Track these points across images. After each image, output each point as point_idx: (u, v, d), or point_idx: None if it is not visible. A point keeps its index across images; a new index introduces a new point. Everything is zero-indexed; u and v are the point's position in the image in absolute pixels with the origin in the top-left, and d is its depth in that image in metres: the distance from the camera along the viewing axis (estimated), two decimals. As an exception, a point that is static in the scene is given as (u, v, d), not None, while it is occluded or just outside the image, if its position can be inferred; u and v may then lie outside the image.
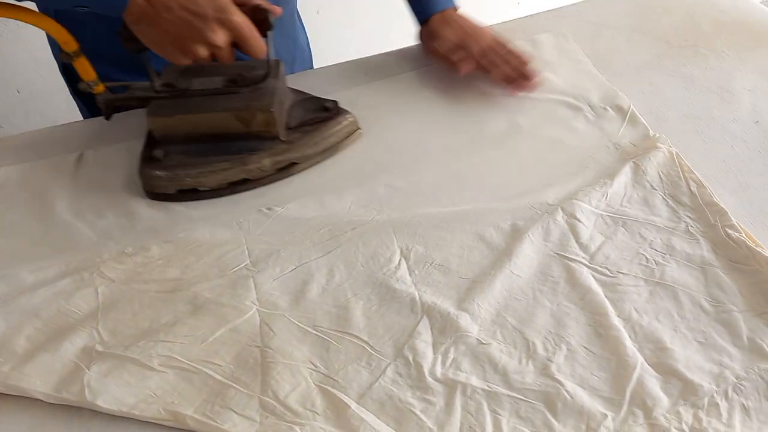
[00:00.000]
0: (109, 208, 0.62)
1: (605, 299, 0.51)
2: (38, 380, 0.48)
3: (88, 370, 0.48)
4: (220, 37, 0.53)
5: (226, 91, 0.61)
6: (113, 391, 0.47)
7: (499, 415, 0.45)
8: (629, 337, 0.48)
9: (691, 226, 0.56)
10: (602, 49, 0.77)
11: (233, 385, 0.48)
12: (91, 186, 0.64)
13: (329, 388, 0.47)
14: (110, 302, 0.53)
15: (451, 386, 0.47)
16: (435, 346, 0.49)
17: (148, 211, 0.61)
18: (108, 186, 0.64)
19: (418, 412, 0.45)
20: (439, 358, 0.48)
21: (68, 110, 1.08)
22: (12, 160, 0.67)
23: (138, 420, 0.47)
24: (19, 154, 0.68)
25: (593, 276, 0.52)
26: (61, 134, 0.71)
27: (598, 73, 0.73)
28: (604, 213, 0.57)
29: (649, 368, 0.46)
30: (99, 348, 0.50)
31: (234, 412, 0.46)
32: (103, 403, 0.46)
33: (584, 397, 0.45)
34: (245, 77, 0.61)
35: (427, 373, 0.48)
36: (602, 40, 0.79)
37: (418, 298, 0.53)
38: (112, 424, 0.47)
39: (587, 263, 0.53)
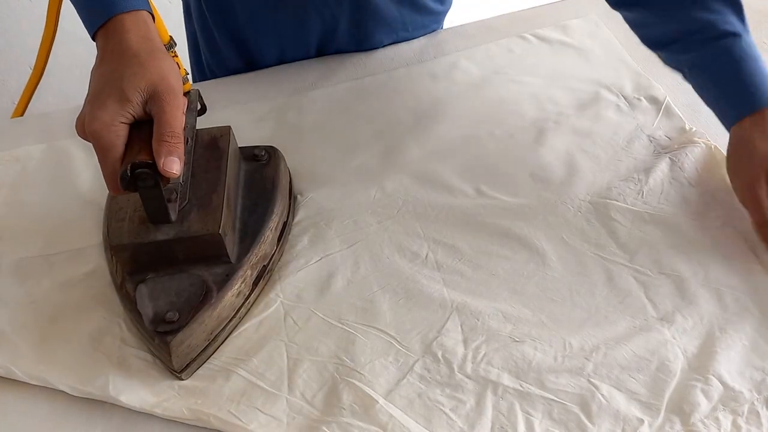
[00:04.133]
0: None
1: (646, 300, 0.49)
2: (62, 373, 0.47)
3: (112, 364, 0.47)
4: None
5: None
6: (137, 388, 0.46)
7: (532, 416, 0.44)
8: (671, 339, 0.47)
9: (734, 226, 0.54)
10: (636, 36, 0.74)
11: (258, 383, 0.47)
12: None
13: (356, 383, 0.46)
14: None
15: (482, 385, 0.46)
16: (465, 344, 0.48)
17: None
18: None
19: (447, 411, 0.44)
20: (470, 355, 0.47)
21: (81, 88, 1.07)
22: (35, 139, 0.66)
23: (162, 418, 0.46)
24: (43, 134, 0.67)
25: (633, 277, 0.51)
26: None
27: (632, 62, 0.71)
28: (642, 210, 0.55)
29: (690, 372, 0.45)
30: (123, 342, 0.49)
31: (260, 411, 0.45)
32: (126, 400, 0.46)
33: (620, 401, 0.44)
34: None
35: (457, 371, 0.46)
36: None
37: (446, 293, 0.51)
38: (133, 417, 0.46)
39: (627, 264, 0.52)
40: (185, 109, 0.47)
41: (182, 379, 0.47)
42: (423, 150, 0.64)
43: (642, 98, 0.66)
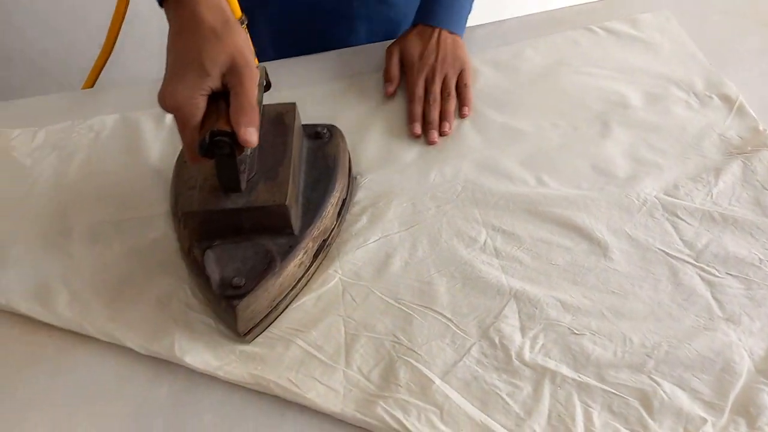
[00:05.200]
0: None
1: (712, 300, 0.48)
2: (130, 331, 0.49)
3: (178, 326, 0.49)
4: None
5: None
6: (201, 351, 0.48)
7: (591, 407, 0.43)
8: (737, 341, 0.45)
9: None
10: (708, 32, 0.72)
11: (317, 354, 0.48)
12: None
13: (413, 362, 0.47)
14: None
15: (540, 372, 0.45)
16: (523, 331, 0.48)
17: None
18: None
19: (504, 396, 0.44)
20: (528, 343, 0.47)
21: (147, 67, 1.10)
22: (110, 109, 0.69)
23: (223, 381, 0.47)
24: (118, 105, 0.69)
25: (699, 275, 0.50)
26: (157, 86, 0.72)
27: (704, 58, 0.68)
28: (711, 210, 0.54)
29: (757, 375, 0.44)
30: (188, 307, 0.51)
31: (318, 381, 0.46)
32: (191, 360, 0.47)
33: (683, 399, 0.43)
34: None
35: (514, 358, 0.46)
36: (709, 23, 0.73)
37: (505, 280, 0.51)
38: (196, 379, 0.47)
39: (693, 261, 0.51)
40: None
41: (246, 343, 0.48)
42: (483, 137, 0.63)
43: (713, 96, 0.64)
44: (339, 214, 0.56)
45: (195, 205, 0.50)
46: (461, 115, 0.65)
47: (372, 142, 0.64)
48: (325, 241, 0.54)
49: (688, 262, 0.51)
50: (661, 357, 0.45)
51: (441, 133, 0.64)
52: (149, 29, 0.84)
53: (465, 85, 0.67)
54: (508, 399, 0.44)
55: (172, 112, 0.45)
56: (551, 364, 0.46)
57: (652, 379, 0.44)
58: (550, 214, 0.56)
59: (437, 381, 0.45)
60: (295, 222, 0.52)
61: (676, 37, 0.71)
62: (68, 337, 0.50)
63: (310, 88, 0.70)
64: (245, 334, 0.48)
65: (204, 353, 0.48)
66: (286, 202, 0.50)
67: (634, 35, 0.72)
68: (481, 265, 0.53)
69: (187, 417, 0.46)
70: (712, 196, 0.55)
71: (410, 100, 0.66)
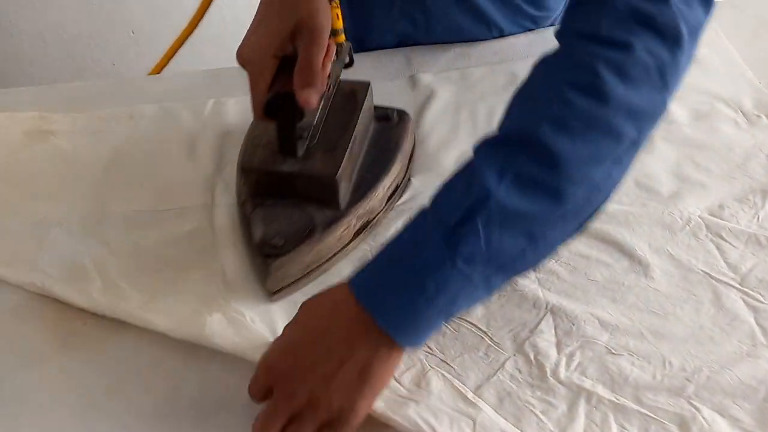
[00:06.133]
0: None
1: (756, 326, 0.47)
2: (163, 315, 0.49)
3: (211, 313, 0.49)
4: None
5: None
6: (231, 335, 0.47)
7: (626, 430, 0.42)
8: (783, 370, 0.44)
9: None
10: (758, 49, 0.70)
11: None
12: (223, 132, 0.64)
13: (445, 374, 0.46)
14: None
15: (575, 392, 0.45)
16: (559, 347, 0.47)
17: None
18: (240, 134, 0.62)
19: (538, 413, 0.44)
20: (563, 360, 0.46)
21: (177, 56, 1.11)
22: (149, 99, 0.69)
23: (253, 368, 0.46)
24: (157, 94, 0.70)
25: (743, 300, 0.48)
26: (200, 80, 0.72)
27: (754, 77, 0.67)
28: (758, 233, 0.53)
29: (802, 407, 0.43)
30: (222, 299, 0.51)
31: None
32: (220, 341, 0.47)
33: (723, 426, 0.42)
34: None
35: (549, 374, 0.46)
36: (760, 40, 0.72)
37: (541, 294, 0.51)
38: (229, 367, 0.47)
39: (737, 285, 0.49)
40: (332, 51, 0.49)
41: (273, 302, 0.50)
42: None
43: (762, 116, 0.63)
44: (389, 198, 0.56)
45: (255, 162, 0.53)
46: None
47: (416, 145, 0.63)
48: (369, 221, 0.54)
49: (732, 286, 0.50)
50: (701, 382, 0.44)
51: None
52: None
53: None
54: (542, 416, 0.44)
55: (245, 66, 0.47)
56: (587, 384, 0.45)
57: (691, 404, 0.43)
58: (590, 229, 0.54)
59: (470, 395, 0.45)
60: (344, 196, 0.53)
61: (725, 53, 0.70)
62: (102, 325, 0.51)
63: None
64: (274, 293, 0.50)
65: (234, 337, 0.47)
66: (336, 176, 0.51)
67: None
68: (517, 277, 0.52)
69: (219, 411, 0.45)
70: (758, 218, 0.54)
71: None
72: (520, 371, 0.46)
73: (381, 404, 0.44)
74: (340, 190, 0.52)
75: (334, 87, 0.56)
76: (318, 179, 0.52)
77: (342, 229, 0.52)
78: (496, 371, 0.46)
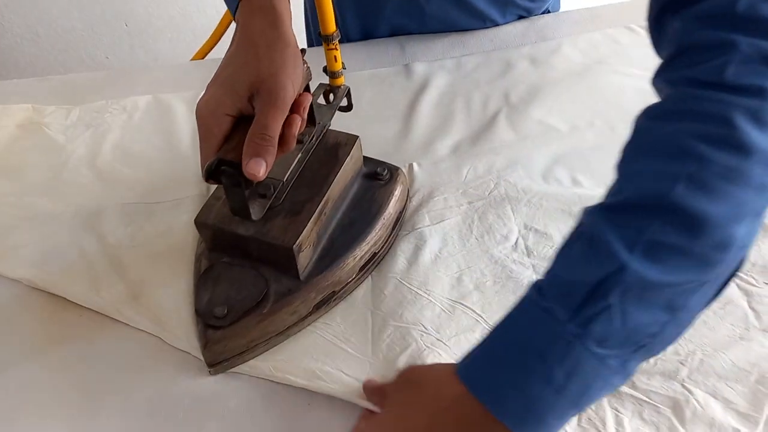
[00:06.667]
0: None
1: (749, 310, 0.47)
2: (155, 323, 0.49)
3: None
4: None
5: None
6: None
7: (621, 413, 0.43)
8: (775, 353, 0.45)
9: None
10: None
11: (342, 346, 0.47)
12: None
13: (440, 353, 0.46)
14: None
15: (570, 376, 0.45)
16: (553, 333, 0.47)
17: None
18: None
19: (533, 397, 0.44)
20: (558, 345, 0.47)
21: (171, 48, 1.10)
22: (142, 90, 0.69)
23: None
24: (150, 85, 0.70)
25: (736, 284, 0.49)
26: (192, 69, 0.72)
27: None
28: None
29: (794, 389, 0.43)
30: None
31: (343, 373, 0.46)
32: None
33: (716, 409, 0.42)
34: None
35: (544, 359, 0.46)
36: None
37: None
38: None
39: (731, 268, 0.50)
40: (300, 120, 0.43)
41: (211, 374, 0.46)
42: (517, 134, 0.63)
43: None
44: (363, 268, 0.50)
45: (211, 217, 0.48)
46: None
47: (405, 134, 0.63)
48: (334, 293, 0.49)
49: (725, 271, 0.50)
50: (694, 366, 0.45)
51: None
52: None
53: None
54: (537, 400, 0.44)
55: (197, 121, 0.42)
56: (582, 367, 0.45)
57: (684, 387, 0.44)
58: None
59: (466, 377, 0.45)
60: (304, 266, 0.47)
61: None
62: (98, 318, 0.51)
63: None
64: (211, 366, 0.46)
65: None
66: (294, 246, 0.45)
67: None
68: (512, 264, 0.52)
69: (212, 404, 0.46)
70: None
71: None
72: (515, 356, 0.46)
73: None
74: (299, 261, 0.46)
75: (318, 138, 0.50)
76: (274, 247, 0.46)
77: (296, 303, 0.46)
78: (492, 355, 0.46)
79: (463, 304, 0.50)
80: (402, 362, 0.46)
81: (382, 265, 0.52)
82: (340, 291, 0.49)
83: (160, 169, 0.61)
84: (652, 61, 0.69)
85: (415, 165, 0.60)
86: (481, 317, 0.49)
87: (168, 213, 0.57)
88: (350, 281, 0.49)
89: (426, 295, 0.50)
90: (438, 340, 0.47)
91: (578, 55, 0.69)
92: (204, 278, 0.48)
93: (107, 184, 0.60)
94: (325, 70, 0.52)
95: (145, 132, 0.65)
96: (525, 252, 0.53)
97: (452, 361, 0.45)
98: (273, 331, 0.46)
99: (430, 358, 0.46)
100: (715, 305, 0.48)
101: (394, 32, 0.74)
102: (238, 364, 0.46)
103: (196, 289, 0.48)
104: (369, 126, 0.64)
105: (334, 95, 0.53)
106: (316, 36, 0.77)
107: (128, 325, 0.50)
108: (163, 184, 0.60)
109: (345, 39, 0.75)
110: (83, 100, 0.68)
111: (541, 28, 0.73)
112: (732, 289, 0.49)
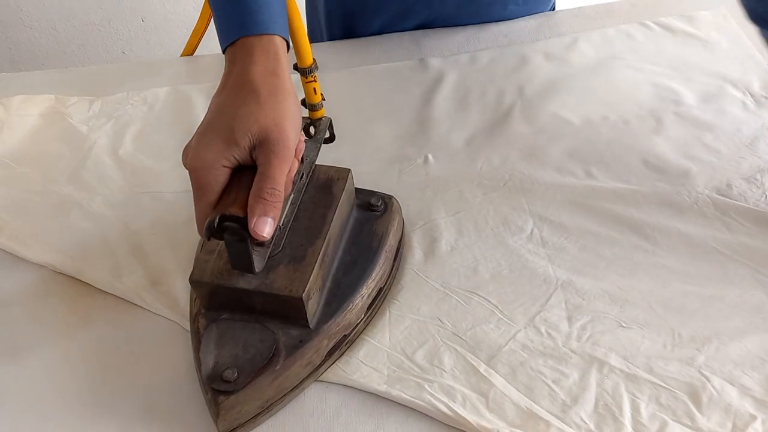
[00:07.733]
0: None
1: (765, 300, 0.48)
2: (168, 300, 0.50)
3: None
4: None
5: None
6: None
7: (638, 398, 0.43)
8: (792, 340, 0.45)
9: None
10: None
11: (360, 335, 0.48)
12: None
13: (457, 347, 0.47)
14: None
15: (587, 361, 0.45)
16: (570, 321, 0.48)
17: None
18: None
19: (550, 383, 0.45)
20: (575, 333, 0.47)
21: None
22: (162, 82, 0.70)
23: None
24: (170, 78, 0.71)
25: (753, 276, 0.49)
26: (209, 62, 0.73)
27: (762, 59, 0.67)
28: (765, 211, 0.53)
29: (810, 376, 0.43)
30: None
31: (362, 362, 0.46)
32: None
33: (733, 395, 0.43)
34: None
35: (561, 344, 0.47)
36: None
37: (551, 270, 0.51)
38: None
39: (745, 261, 0.50)
40: (297, 164, 0.42)
41: None
42: (532, 127, 0.63)
43: (770, 97, 0.63)
44: (370, 306, 0.48)
45: (206, 274, 0.44)
46: None
47: (420, 126, 0.64)
48: (346, 336, 0.46)
49: (740, 262, 0.50)
50: (711, 353, 0.45)
51: None
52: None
53: None
54: (554, 386, 0.44)
55: (189, 173, 0.40)
56: (599, 353, 0.46)
57: (701, 373, 0.44)
58: (599, 208, 0.55)
59: (482, 368, 0.46)
60: (313, 313, 0.45)
61: (733, 35, 0.70)
62: (120, 303, 0.52)
63: (354, 69, 0.70)
64: None
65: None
66: (303, 295, 0.42)
67: (690, 32, 0.71)
68: (527, 254, 0.53)
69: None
70: (766, 197, 0.55)
71: None
72: (531, 341, 0.47)
73: (397, 386, 0.44)
74: (308, 309, 0.43)
75: (307, 176, 0.47)
76: (281, 298, 0.43)
77: (310, 354, 0.44)
78: (508, 341, 0.47)
79: (478, 295, 0.50)
80: (420, 359, 0.46)
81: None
82: (351, 334, 0.47)
83: (180, 159, 0.62)
84: (665, 57, 0.69)
85: (430, 156, 0.61)
86: (497, 308, 0.49)
87: (187, 202, 0.58)
88: (359, 322, 0.47)
89: (442, 288, 0.50)
90: (454, 334, 0.47)
91: (592, 50, 0.70)
92: (206, 340, 0.44)
93: (129, 174, 0.61)
94: (303, 102, 0.50)
95: (165, 123, 0.66)
96: (540, 242, 0.54)
97: (470, 356, 0.46)
98: (288, 387, 0.44)
99: (447, 356, 0.46)
100: (732, 295, 0.49)
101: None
102: (252, 429, 0.43)
103: (197, 353, 0.44)
104: (384, 119, 0.65)
105: (315, 128, 0.51)
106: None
107: (149, 310, 0.51)
108: (183, 173, 0.60)
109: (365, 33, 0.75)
110: (104, 92, 0.69)
111: (555, 24, 0.74)
112: (747, 279, 0.49)
